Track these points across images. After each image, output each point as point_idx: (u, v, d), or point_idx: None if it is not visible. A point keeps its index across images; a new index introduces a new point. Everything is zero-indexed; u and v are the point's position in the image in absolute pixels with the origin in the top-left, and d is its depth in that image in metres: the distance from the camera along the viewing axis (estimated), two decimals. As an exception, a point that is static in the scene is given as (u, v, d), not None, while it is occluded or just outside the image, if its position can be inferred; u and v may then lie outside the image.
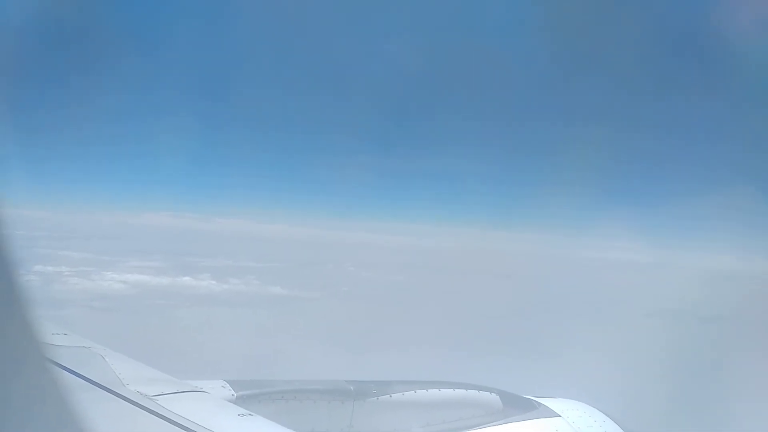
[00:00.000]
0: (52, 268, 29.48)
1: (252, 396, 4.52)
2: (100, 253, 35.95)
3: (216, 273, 33.84)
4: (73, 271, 30.58)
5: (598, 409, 5.27)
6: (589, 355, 17.09)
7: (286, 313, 28.40)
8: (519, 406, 5.23)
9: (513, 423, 5.02)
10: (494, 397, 5.24)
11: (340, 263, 40.34)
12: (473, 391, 5.25)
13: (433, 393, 5.13)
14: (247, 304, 29.71)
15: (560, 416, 5.11)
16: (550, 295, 31.05)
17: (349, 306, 29.13)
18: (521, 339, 21.67)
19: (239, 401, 4.36)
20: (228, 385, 4.52)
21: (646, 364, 17.19)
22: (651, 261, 37.80)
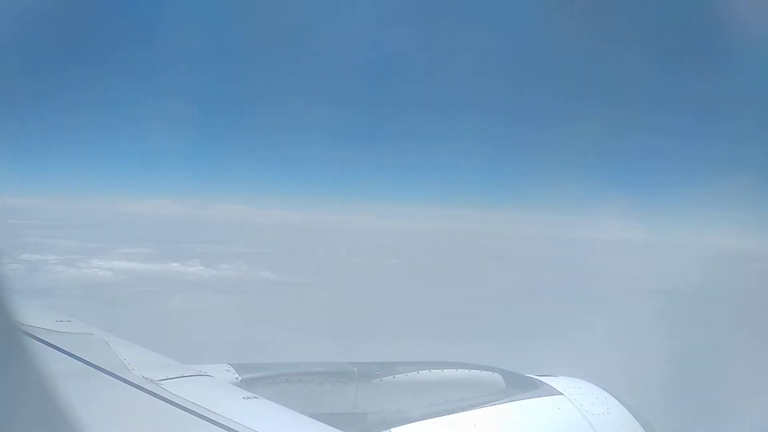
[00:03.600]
0: (39, 256, 29.27)
1: (256, 379, 4.53)
2: (91, 241, 35.83)
3: (206, 259, 33.77)
4: (59, 259, 30.39)
5: (600, 387, 5.30)
6: (588, 335, 17.21)
7: (272, 298, 28.32)
8: (521, 385, 5.25)
9: (515, 401, 5.04)
10: (496, 377, 5.26)
11: (332, 248, 40.33)
12: (475, 370, 5.27)
13: (436, 373, 5.15)
14: (234, 289, 29.63)
15: (562, 394, 5.14)
16: (546, 276, 31.24)
17: (339, 291, 29.09)
18: (518, 320, 21.79)
19: (244, 384, 4.38)
20: (232, 368, 4.54)
21: (644, 342, 17.38)
22: (648, 241, 38.12)
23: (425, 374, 5.10)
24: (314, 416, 3.98)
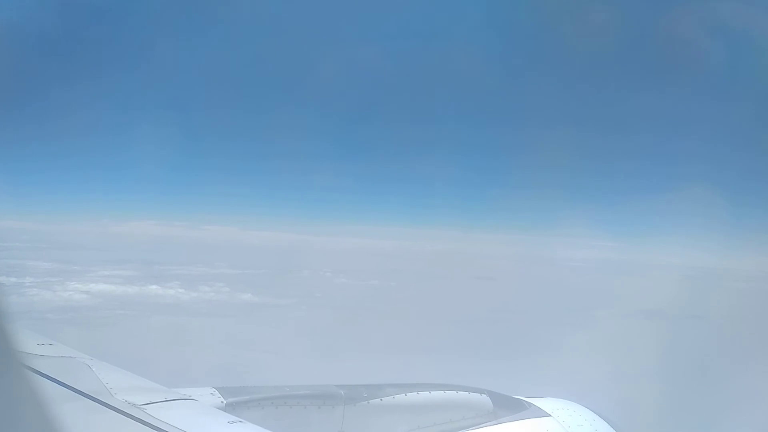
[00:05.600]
0: (15, 279, 28.66)
1: (241, 403, 4.46)
2: (71, 263, 35.22)
3: (187, 281, 33.18)
4: (35, 282, 29.79)
5: (588, 408, 5.28)
6: (574, 355, 17.20)
7: (254, 320, 27.89)
8: (509, 407, 5.22)
9: (504, 423, 5.00)
10: (484, 398, 5.22)
11: (316, 269, 40.02)
12: (463, 392, 5.23)
13: (424, 395, 5.10)
14: (213, 312, 29.12)
15: (551, 416, 5.11)
16: (532, 296, 31.23)
17: (321, 312, 28.79)
18: (505, 341, 21.70)
19: (229, 408, 4.31)
20: (217, 392, 4.46)
21: (629, 362, 17.41)
22: (631, 260, 38.33)
23: (412, 396, 5.05)
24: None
